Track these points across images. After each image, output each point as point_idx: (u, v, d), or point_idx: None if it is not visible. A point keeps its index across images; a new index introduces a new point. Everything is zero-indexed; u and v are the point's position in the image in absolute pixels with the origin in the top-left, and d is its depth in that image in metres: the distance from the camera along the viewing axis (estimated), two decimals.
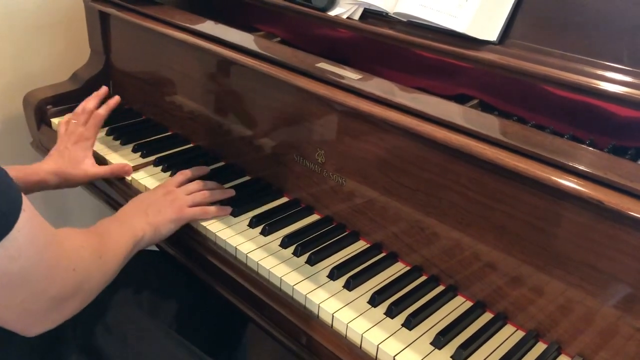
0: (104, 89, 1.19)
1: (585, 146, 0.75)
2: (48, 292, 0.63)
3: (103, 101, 1.18)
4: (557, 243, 0.74)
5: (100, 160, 1.14)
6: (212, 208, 0.98)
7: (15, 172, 0.97)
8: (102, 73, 1.36)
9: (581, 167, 0.69)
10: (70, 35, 1.47)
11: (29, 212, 0.58)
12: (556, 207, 0.72)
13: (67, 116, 1.17)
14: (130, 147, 1.19)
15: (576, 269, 0.73)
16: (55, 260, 0.64)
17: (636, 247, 0.67)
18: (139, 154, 1.16)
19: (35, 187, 1.03)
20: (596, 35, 0.84)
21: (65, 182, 1.05)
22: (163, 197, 0.96)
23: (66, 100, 1.32)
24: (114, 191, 1.13)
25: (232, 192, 1.04)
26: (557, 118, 0.91)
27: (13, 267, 0.57)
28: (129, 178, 1.10)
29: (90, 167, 1.07)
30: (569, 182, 0.69)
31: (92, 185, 1.17)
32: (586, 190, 0.67)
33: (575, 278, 0.73)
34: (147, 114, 1.31)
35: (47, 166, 1.05)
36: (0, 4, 1.35)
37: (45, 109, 1.30)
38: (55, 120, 1.29)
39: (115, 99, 1.16)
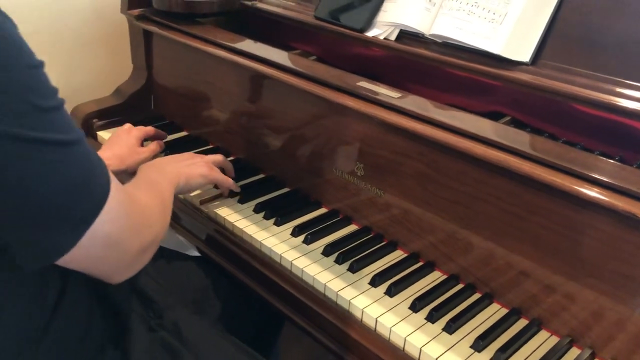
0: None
1: (615, 162, 0.80)
2: (135, 246, 0.71)
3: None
4: (589, 253, 0.78)
5: None
6: (232, 181, 1.10)
7: None
8: (144, 88, 1.43)
9: (613, 181, 0.73)
10: (113, 52, 1.55)
11: (115, 184, 0.66)
12: (589, 219, 0.77)
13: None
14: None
15: (609, 278, 0.77)
16: (139, 219, 0.72)
17: None
18: None
19: None
20: (623, 56, 0.89)
21: (121, 170, 1.11)
22: (192, 156, 1.07)
23: (110, 114, 1.39)
24: None
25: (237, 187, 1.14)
26: (587, 135, 0.96)
27: (112, 228, 0.66)
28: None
29: (141, 153, 1.14)
30: (601, 195, 0.73)
31: None
32: (618, 203, 0.72)
33: (607, 286, 0.78)
34: (188, 129, 1.37)
35: (107, 152, 1.11)
36: (46, 22, 1.42)
37: (91, 123, 1.36)
38: (101, 133, 1.35)
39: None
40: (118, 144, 1.13)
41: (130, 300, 0.84)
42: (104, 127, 1.37)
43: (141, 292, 0.89)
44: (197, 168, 1.03)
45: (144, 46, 1.40)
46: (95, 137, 1.36)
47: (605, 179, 0.74)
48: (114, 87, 1.46)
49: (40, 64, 0.59)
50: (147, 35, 1.39)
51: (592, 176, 0.75)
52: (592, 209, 0.76)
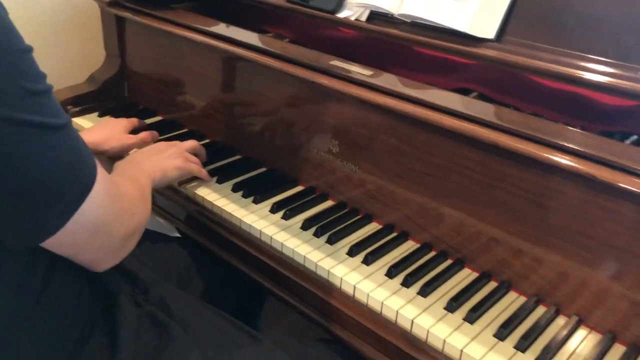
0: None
1: (578, 130, 0.85)
2: (120, 232, 0.73)
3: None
4: (555, 216, 0.83)
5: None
6: (205, 172, 1.11)
7: None
8: (118, 75, 1.44)
9: (576, 147, 0.78)
10: (86, 38, 1.55)
11: (100, 170, 0.68)
12: (554, 184, 0.82)
13: None
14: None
15: (573, 239, 0.82)
16: (123, 206, 0.74)
17: (626, 216, 0.77)
18: None
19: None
20: (583, 31, 0.94)
21: (105, 150, 1.14)
22: (168, 147, 1.07)
23: (85, 101, 1.39)
24: None
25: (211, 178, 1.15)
26: (550, 107, 1.01)
27: (98, 213, 0.68)
28: None
29: (128, 138, 1.18)
30: (565, 160, 0.78)
31: None
32: (580, 167, 0.77)
33: (572, 247, 0.83)
34: (163, 113, 1.39)
35: (91, 133, 1.14)
36: (16, 9, 1.41)
37: (66, 109, 1.37)
38: (76, 120, 1.36)
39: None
40: (105, 126, 1.16)
41: (117, 278, 0.86)
42: (79, 114, 1.37)
43: (126, 271, 0.91)
44: (172, 160, 1.04)
45: (117, 32, 1.40)
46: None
47: (568, 145, 0.79)
48: (88, 74, 1.47)
49: (29, 49, 0.61)
50: (120, 21, 1.40)
51: (556, 142, 0.80)
52: (556, 174, 0.81)
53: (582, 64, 0.91)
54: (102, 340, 0.78)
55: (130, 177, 0.90)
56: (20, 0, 1.42)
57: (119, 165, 0.98)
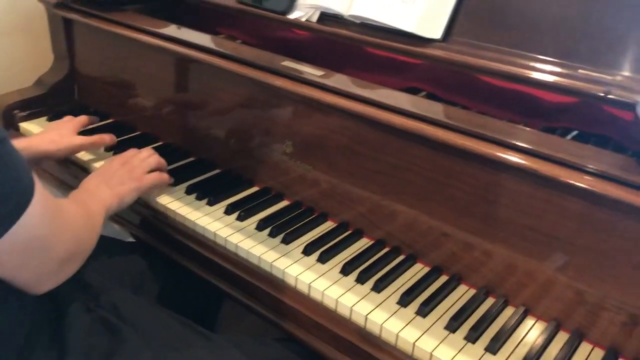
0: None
1: (519, 126, 0.88)
2: (58, 254, 0.72)
3: None
4: (501, 210, 0.86)
5: (73, 162, 1.20)
6: (166, 175, 1.09)
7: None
8: (67, 78, 1.41)
9: (519, 143, 0.81)
10: (32, 41, 1.51)
11: (39, 187, 0.67)
12: (499, 179, 0.85)
13: None
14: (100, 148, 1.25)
15: (519, 232, 0.85)
16: (62, 227, 0.73)
17: (568, 209, 0.80)
18: (111, 154, 1.22)
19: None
20: (526, 30, 0.97)
21: (53, 152, 1.11)
22: (122, 168, 1.03)
23: (33, 105, 1.36)
24: None
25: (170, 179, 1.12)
26: (496, 105, 1.04)
27: (35, 232, 0.67)
28: None
29: (76, 139, 1.14)
30: (508, 156, 0.81)
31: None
32: (523, 162, 0.80)
33: (518, 240, 0.86)
34: (115, 116, 1.37)
35: (38, 137, 1.11)
36: None
37: (13, 114, 1.33)
38: (23, 125, 1.33)
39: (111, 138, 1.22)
40: (52, 129, 1.14)
41: (67, 286, 0.85)
42: (26, 119, 1.34)
43: (77, 279, 0.89)
44: (128, 183, 1.01)
45: (65, 35, 1.38)
46: (17, 128, 1.33)
47: (511, 141, 0.82)
48: (36, 78, 1.43)
49: None
50: (67, 23, 1.37)
51: (499, 139, 0.83)
52: (501, 169, 0.84)
53: (525, 62, 0.94)
54: (50, 345, 0.76)
55: (80, 202, 0.88)
56: None
57: (72, 193, 0.95)
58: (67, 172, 1.22)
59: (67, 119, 1.20)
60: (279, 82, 1.02)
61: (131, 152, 1.09)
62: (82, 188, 0.98)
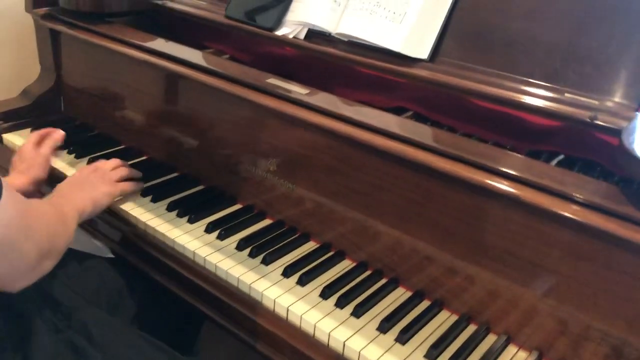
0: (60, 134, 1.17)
1: (504, 150, 0.86)
2: (32, 251, 0.72)
3: None
4: (484, 235, 0.84)
5: (57, 176, 1.18)
6: (135, 183, 1.11)
7: None
8: (53, 89, 1.40)
9: (501, 168, 0.80)
10: (19, 52, 1.50)
11: (7, 188, 0.66)
12: (481, 203, 0.83)
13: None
14: (85, 160, 1.23)
15: (500, 258, 0.83)
16: (34, 225, 0.73)
17: (551, 236, 0.78)
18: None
19: None
20: (513, 53, 0.96)
21: (34, 176, 1.07)
22: (93, 174, 1.05)
23: (17, 116, 1.35)
24: None
25: (139, 174, 1.15)
26: (482, 127, 1.03)
27: (5, 231, 0.67)
28: None
29: (41, 149, 1.10)
30: (490, 181, 0.80)
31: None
32: (505, 188, 0.78)
33: (501, 266, 0.84)
34: (100, 128, 1.35)
35: (10, 176, 1.07)
36: None
37: None
38: (6, 136, 1.31)
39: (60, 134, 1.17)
40: (16, 165, 1.09)
41: (35, 303, 0.83)
42: (10, 130, 1.32)
43: (47, 296, 0.88)
44: (101, 188, 1.02)
45: (52, 46, 1.37)
46: (0, 140, 1.32)
47: (493, 166, 0.80)
48: (21, 89, 1.42)
49: None
50: (55, 34, 1.36)
51: (481, 163, 0.81)
52: (483, 193, 0.82)
53: (511, 84, 0.94)
54: None
55: (52, 203, 0.89)
56: None
57: (45, 198, 0.96)
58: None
59: (23, 144, 1.15)
60: (263, 99, 1.00)
61: (101, 161, 1.11)
62: (55, 193, 0.98)
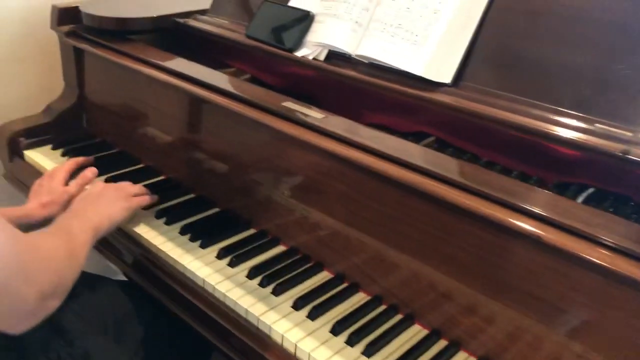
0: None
1: (528, 185, 0.81)
2: (31, 293, 0.68)
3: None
4: (504, 275, 0.79)
5: None
6: (150, 197, 1.09)
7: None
8: (76, 106, 1.39)
9: (524, 205, 0.74)
10: (45, 68, 1.51)
11: (4, 225, 0.64)
12: (502, 242, 0.78)
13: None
14: (103, 178, 1.22)
15: (521, 300, 0.78)
16: (33, 264, 0.69)
17: (576, 281, 0.72)
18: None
19: (21, 222, 1.04)
20: (540, 79, 0.91)
21: (52, 213, 1.07)
22: (107, 189, 1.04)
23: (39, 132, 1.35)
24: None
25: (155, 197, 1.12)
26: (507, 155, 0.97)
27: (1, 273, 0.63)
28: None
29: (69, 188, 1.11)
30: (512, 219, 0.74)
31: None
32: (528, 227, 0.73)
33: (521, 307, 0.78)
34: (121, 146, 1.34)
35: (30, 204, 1.08)
36: None
37: (17, 141, 1.32)
38: (28, 153, 1.31)
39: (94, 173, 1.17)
40: (41, 193, 1.10)
41: (37, 329, 0.81)
42: (31, 146, 1.33)
43: (51, 321, 0.86)
44: (117, 203, 1.01)
45: (75, 63, 1.37)
46: (22, 156, 1.32)
47: (516, 203, 0.75)
48: (46, 105, 1.42)
49: None
50: (78, 52, 1.36)
51: (503, 199, 0.76)
52: (504, 231, 0.77)
53: (538, 113, 0.89)
54: None
55: (61, 228, 0.86)
56: None
57: (58, 218, 0.93)
58: None
59: (50, 171, 1.17)
60: (277, 123, 0.97)
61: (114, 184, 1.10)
62: (69, 211, 0.97)
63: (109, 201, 1.00)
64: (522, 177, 0.94)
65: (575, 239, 0.70)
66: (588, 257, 0.69)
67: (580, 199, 0.87)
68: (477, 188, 0.78)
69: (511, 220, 0.74)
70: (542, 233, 0.72)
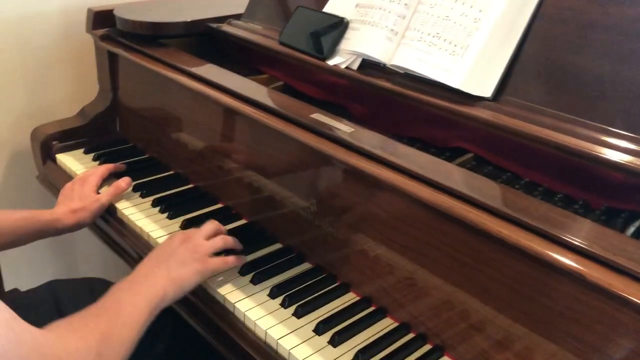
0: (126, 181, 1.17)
1: (571, 213, 0.74)
2: None
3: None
4: (541, 310, 0.72)
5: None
6: (231, 258, 0.95)
7: (26, 213, 1.01)
8: (109, 110, 1.39)
9: (564, 237, 0.68)
10: (81, 72, 1.51)
11: (6, 313, 0.56)
12: (539, 275, 0.71)
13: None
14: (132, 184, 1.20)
15: (560, 338, 0.71)
16: None
17: (620, 323, 0.65)
18: (139, 193, 1.18)
19: (50, 227, 1.05)
20: (590, 96, 0.84)
21: (81, 220, 1.07)
22: (184, 247, 0.91)
23: (72, 136, 1.35)
24: (110, 229, 1.15)
25: (241, 247, 1.00)
26: (551, 176, 0.90)
27: None
28: (124, 218, 1.12)
29: (101, 197, 1.11)
30: (551, 252, 0.68)
31: (94, 225, 1.18)
32: (568, 262, 0.66)
33: (558, 347, 0.72)
34: (151, 152, 1.33)
35: (60, 208, 1.07)
36: (14, 40, 1.38)
37: (51, 145, 1.32)
38: (60, 157, 1.31)
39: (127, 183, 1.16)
40: (72, 198, 1.09)
41: None
42: (64, 150, 1.33)
43: None
44: (191, 265, 0.88)
45: (109, 67, 1.36)
46: (54, 159, 1.32)
47: (556, 234, 0.68)
48: (81, 107, 1.42)
49: None
50: (112, 55, 1.35)
51: (542, 229, 0.69)
52: (542, 264, 0.70)
53: (586, 132, 0.82)
54: None
55: (109, 309, 0.76)
56: (16, 30, 1.38)
57: (118, 288, 0.82)
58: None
59: (82, 175, 1.16)
60: (304, 136, 0.93)
61: (193, 229, 0.97)
62: (133, 275, 0.86)
63: (182, 262, 0.88)
64: (567, 200, 0.87)
65: (621, 278, 0.63)
66: (636, 300, 0.61)
67: (631, 230, 0.79)
68: (514, 215, 0.72)
69: (550, 253, 0.68)
70: (584, 269, 0.65)
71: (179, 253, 0.89)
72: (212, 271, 0.92)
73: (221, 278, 0.95)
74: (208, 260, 0.91)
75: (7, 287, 1.47)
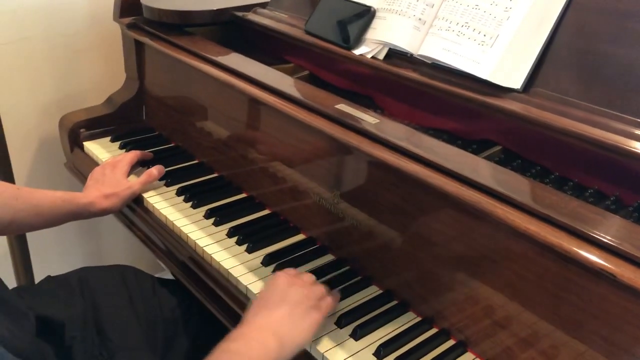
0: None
1: (602, 210, 0.71)
2: None
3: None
4: (569, 309, 0.70)
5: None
6: (332, 300, 0.84)
7: (63, 194, 1.02)
8: (136, 98, 1.39)
9: (594, 234, 0.65)
10: (109, 60, 1.52)
11: None
12: (567, 273, 0.69)
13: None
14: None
15: (588, 339, 0.69)
16: None
17: None
18: (164, 182, 1.18)
19: (84, 210, 1.06)
20: (625, 88, 0.81)
21: (112, 205, 1.08)
22: (306, 299, 0.77)
23: (99, 124, 1.36)
24: (136, 217, 1.15)
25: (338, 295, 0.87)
26: (583, 170, 0.88)
27: None
28: (149, 207, 1.12)
29: (133, 184, 1.12)
30: (580, 250, 0.66)
31: (120, 212, 1.19)
32: (597, 260, 0.64)
33: (587, 348, 0.70)
34: (176, 141, 1.33)
35: (93, 192, 1.08)
36: (42, 29, 1.40)
37: (78, 132, 1.34)
38: (87, 144, 1.32)
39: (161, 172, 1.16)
40: (103, 183, 1.10)
41: (83, 332, 0.79)
42: (91, 138, 1.34)
43: (100, 328, 0.84)
44: (307, 317, 0.77)
45: (136, 56, 1.36)
46: (82, 147, 1.33)
47: (584, 231, 0.66)
48: (108, 95, 1.43)
49: None
50: (139, 44, 1.35)
51: (570, 225, 0.67)
52: (570, 262, 0.68)
53: (621, 126, 0.79)
54: None
55: None
56: (44, 18, 1.39)
57: (221, 345, 0.70)
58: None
59: (112, 161, 1.16)
60: (329, 127, 0.92)
61: (289, 271, 0.85)
62: (241, 327, 0.72)
63: (301, 317, 0.75)
64: (598, 196, 0.84)
65: None
66: None
67: None
68: (542, 211, 0.70)
69: (579, 250, 0.66)
70: (614, 268, 0.63)
71: (292, 302, 0.76)
72: (326, 314, 0.81)
73: (242, 268, 0.95)
74: (323, 306, 0.80)
75: (36, 272, 1.49)
